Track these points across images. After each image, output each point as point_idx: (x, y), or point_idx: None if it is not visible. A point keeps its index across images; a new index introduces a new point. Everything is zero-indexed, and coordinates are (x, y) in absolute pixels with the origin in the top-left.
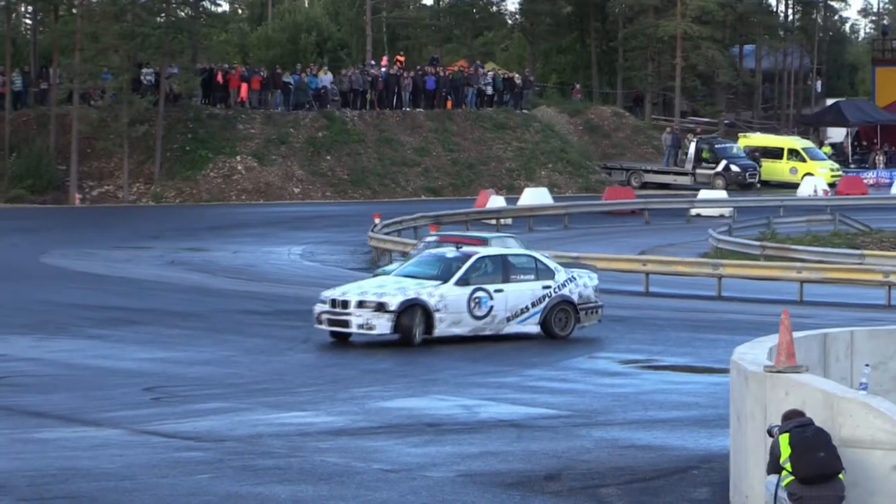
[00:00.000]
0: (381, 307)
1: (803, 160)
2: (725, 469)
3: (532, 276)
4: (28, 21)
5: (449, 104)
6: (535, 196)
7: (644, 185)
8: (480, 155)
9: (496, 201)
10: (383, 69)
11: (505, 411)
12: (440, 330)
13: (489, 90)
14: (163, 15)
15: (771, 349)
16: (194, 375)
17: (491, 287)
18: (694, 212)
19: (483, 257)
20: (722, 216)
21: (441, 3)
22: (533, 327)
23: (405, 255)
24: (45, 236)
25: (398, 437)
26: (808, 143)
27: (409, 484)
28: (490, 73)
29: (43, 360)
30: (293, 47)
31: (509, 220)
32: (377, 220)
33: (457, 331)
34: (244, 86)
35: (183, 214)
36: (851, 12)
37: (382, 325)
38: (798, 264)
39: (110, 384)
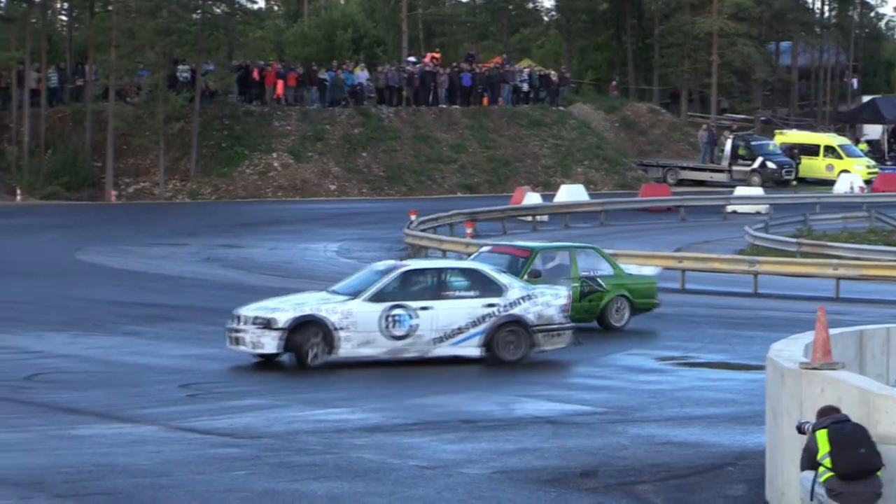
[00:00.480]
0: (268, 324)
1: (839, 157)
2: (761, 466)
3: (474, 293)
4: (64, 17)
5: (485, 101)
6: (571, 193)
7: (680, 182)
8: (516, 152)
9: (532, 198)
10: (418, 67)
11: (541, 408)
12: (346, 350)
13: (525, 87)
14: (199, 11)
15: (807, 346)
16: (230, 372)
17: (415, 304)
18: (730, 209)
19: (410, 271)
20: (758, 213)
21: None
22: (472, 350)
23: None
24: (81, 233)
25: (434, 434)
26: (844, 140)
27: (446, 480)
28: (526, 69)
29: (79, 357)
30: (329, 44)
31: (545, 217)
32: (413, 217)
33: (368, 352)
34: (280, 82)
35: (219, 211)
36: (888, 9)
37: (270, 344)
38: (834, 261)
39: (146, 381)
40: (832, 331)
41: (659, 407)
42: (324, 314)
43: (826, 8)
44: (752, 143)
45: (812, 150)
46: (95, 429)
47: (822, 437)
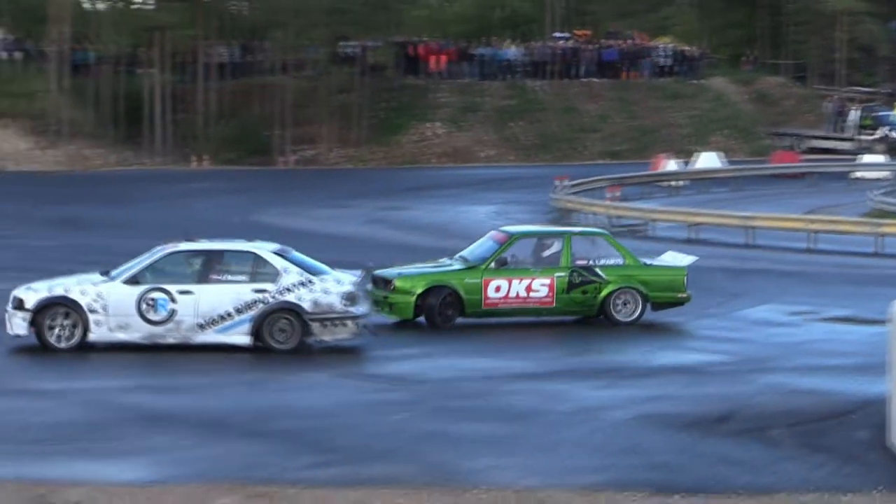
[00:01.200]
0: (20, 304)
1: None
2: (883, 413)
3: (244, 278)
4: None
5: (627, 75)
6: (707, 160)
7: (809, 150)
8: (656, 122)
9: (671, 165)
10: (563, 44)
11: (677, 358)
12: (99, 334)
13: (665, 62)
14: None
15: None
16: (395, 322)
17: (175, 287)
18: (855, 175)
19: (174, 253)
20: (880, 179)
21: None
22: (242, 338)
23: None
24: (256, 196)
25: (580, 381)
26: None
27: (591, 424)
28: (667, 45)
29: None
30: (483, 22)
31: (683, 183)
32: (559, 182)
33: (124, 336)
34: (438, 58)
35: (382, 177)
36: None
37: (19, 325)
38: None
39: None
40: None
41: (788, 358)
42: (74, 296)
43: None
44: (877, 114)
45: None
46: (274, 374)
47: None
